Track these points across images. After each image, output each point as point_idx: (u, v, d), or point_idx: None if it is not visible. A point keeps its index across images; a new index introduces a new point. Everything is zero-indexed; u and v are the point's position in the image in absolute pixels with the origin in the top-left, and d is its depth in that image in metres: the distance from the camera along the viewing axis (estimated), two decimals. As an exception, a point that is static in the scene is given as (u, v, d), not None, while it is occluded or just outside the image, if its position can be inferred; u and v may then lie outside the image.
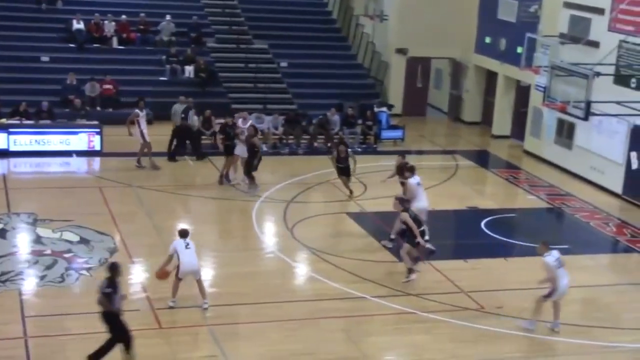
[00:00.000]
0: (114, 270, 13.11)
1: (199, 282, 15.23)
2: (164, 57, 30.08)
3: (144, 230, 18.95)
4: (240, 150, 22.43)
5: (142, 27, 31.28)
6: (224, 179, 22.58)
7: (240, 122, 23.69)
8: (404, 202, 16.91)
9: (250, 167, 21.87)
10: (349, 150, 21.98)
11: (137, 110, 23.59)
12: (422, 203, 18.43)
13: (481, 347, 14.38)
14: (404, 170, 19.02)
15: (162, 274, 15.13)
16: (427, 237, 16.85)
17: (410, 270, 16.48)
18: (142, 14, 31.53)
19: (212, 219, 20.58)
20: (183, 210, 21.24)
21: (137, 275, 16.66)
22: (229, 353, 13.66)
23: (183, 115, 24.95)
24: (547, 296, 14.85)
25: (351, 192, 21.81)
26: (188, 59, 29.89)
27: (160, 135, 25.49)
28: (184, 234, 15.27)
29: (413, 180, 18.52)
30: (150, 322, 14.56)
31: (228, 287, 16.26)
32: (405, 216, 16.43)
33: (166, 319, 14.68)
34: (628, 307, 16.55)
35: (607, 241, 20.52)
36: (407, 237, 16.60)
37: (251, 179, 21.96)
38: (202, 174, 23.65)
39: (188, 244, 15.08)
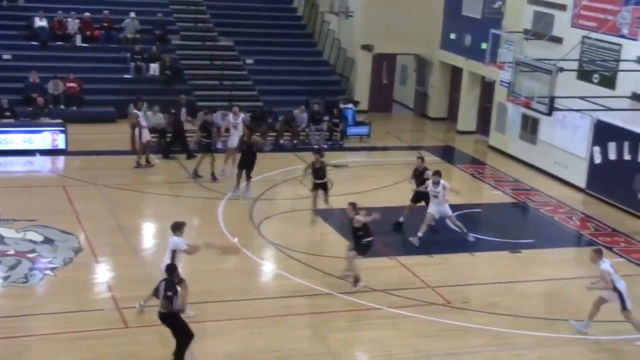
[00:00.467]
0: (173, 271, 13.05)
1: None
2: (128, 54, 29.88)
3: (109, 229, 18.81)
4: (231, 143, 22.88)
5: (106, 24, 31.05)
6: (194, 174, 22.68)
7: (231, 117, 23.77)
8: (356, 206, 16.50)
9: (251, 169, 21.60)
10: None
11: (135, 111, 23.47)
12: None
13: (447, 342, 14.47)
14: (423, 174, 19.53)
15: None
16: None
17: (356, 278, 16.12)
18: (106, 11, 31.30)
19: (178, 217, 20.32)
20: (148, 208, 21.14)
21: (102, 275, 16.55)
22: (196, 351, 13.59)
23: (174, 111, 24.96)
24: (624, 306, 14.55)
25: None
26: (153, 57, 29.72)
27: (125, 133, 25.40)
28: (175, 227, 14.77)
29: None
30: (116, 322, 14.47)
31: (195, 286, 16.05)
32: (360, 219, 16.09)
33: (132, 318, 14.59)
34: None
35: (571, 235, 20.73)
36: (355, 245, 16.23)
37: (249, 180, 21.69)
38: (167, 172, 23.53)
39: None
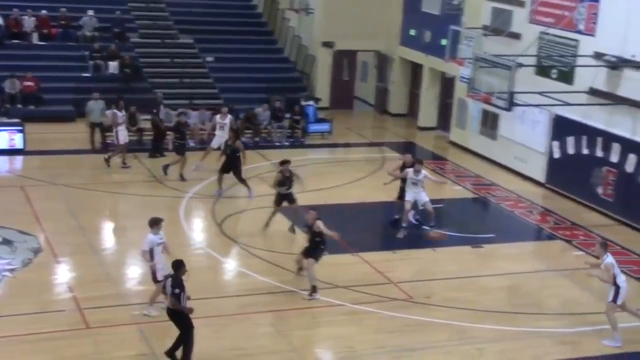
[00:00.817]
0: (180, 268, 12.99)
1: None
2: (86, 53, 29.57)
3: (69, 229, 18.62)
4: (215, 142, 23.00)
5: (63, 22, 30.68)
6: (181, 176, 22.43)
7: (218, 117, 23.76)
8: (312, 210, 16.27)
9: (239, 173, 21.31)
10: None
11: (116, 111, 23.18)
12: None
13: (410, 337, 14.54)
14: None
15: None
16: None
17: (314, 288, 15.83)
18: (63, 9, 30.93)
19: (138, 216, 20.21)
20: (109, 208, 20.94)
21: (62, 275, 16.37)
22: (158, 351, 13.51)
23: (155, 111, 24.76)
24: (615, 300, 14.64)
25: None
26: (112, 55, 29.44)
27: (84, 132, 25.18)
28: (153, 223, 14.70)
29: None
30: (78, 322, 14.33)
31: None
32: (320, 225, 15.84)
33: (94, 318, 14.45)
34: (551, 293, 16.95)
35: (531, 229, 20.94)
36: (312, 251, 15.93)
37: (244, 183, 21.39)
38: (127, 171, 23.31)
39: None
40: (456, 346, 14.34)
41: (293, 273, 16.69)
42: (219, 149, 22.93)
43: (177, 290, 12.76)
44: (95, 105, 24.76)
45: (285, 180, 18.97)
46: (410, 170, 19.45)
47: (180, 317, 12.92)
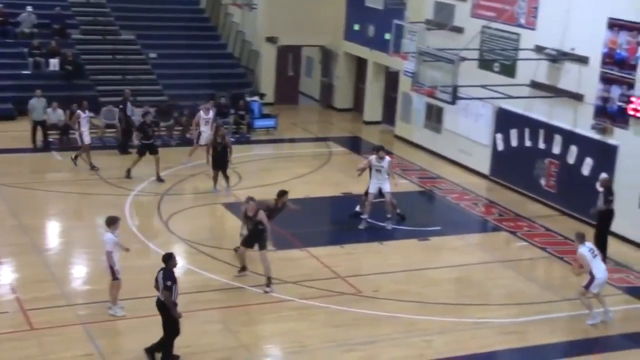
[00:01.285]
0: (170, 260, 12.92)
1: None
2: (26, 49, 29.04)
3: (11, 229, 18.29)
4: (205, 139, 22.81)
5: (0, 18, 30.04)
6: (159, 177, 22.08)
7: (202, 113, 23.64)
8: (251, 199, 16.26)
9: (226, 168, 21.27)
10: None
11: (79, 111, 22.79)
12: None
13: (359, 330, 14.59)
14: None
15: None
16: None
17: (270, 280, 15.82)
18: (1, 5, 30.31)
19: (83, 215, 20.04)
20: (52, 207, 20.58)
21: (5, 276, 16.05)
22: (105, 351, 13.36)
23: (121, 107, 24.43)
24: (587, 287, 15.04)
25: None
26: (52, 52, 28.96)
27: (25, 130, 24.76)
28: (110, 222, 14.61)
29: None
30: (21, 324, 14.08)
31: (103, 284, 15.82)
32: (262, 215, 15.83)
33: (38, 319, 14.22)
34: (496, 284, 17.15)
35: (477, 221, 21.16)
36: (257, 240, 15.94)
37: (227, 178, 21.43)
38: (68, 169, 22.97)
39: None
40: (405, 338, 14.42)
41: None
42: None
43: (169, 283, 12.73)
44: (37, 103, 24.37)
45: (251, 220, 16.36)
46: (373, 158, 19.52)
47: (168, 309, 12.88)
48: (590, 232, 19.42)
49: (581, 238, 15.37)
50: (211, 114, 23.90)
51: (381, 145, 20.42)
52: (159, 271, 13.07)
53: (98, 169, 22.56)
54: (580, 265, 15.12)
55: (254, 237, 15.97)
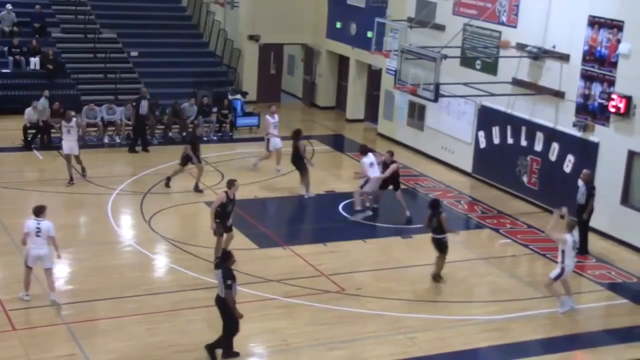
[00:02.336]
0: (229, 259, 12.96)
1: (47, 272, 14.73)
2: (5, 48, 28.82)
3: (-7, 229, 18.17)
4: (275, 143, 22.71)
5: (-20, 17, 29.86)
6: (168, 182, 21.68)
7: (269, 117, 23.47)
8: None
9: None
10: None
11: (63, 121, 21.87)
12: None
13: (343, 329, 14.60)
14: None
15: None
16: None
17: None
18: (-20, 4, 30.10)
19: (65, 213, 19.90)
20: (32, 206, 20.36)
21: (-14, 277, 15.96)
22: (88, 350, 13.30)
23: (134, 104, 24.35)
24: (557, 278, 15.43)
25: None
26: (32, 50, 28.77)
27: (9, 130, 24.62)
28: (37, 211, 14.73)
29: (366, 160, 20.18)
30: (3, 324, 13.99)
31: (85, 283, 15.81)
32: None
33: (20, 319, 14.14)
34: (480, 281, 17.22)
35: (460, 218, 21.20)
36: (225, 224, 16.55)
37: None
38: (50, 168, 22.84)
39: (39, 228, 14.55)
40: (389, 336, 14.44)
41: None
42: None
43: (229, 282, 12.79)
44: (45, 104, 24.65)
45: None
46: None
47: (229, 307, 12.89)
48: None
49: (571, 228, 15.61)
50: (277, 117, 23.63)
51: (364, 145, 21.06)
52: (218, 270, 13.04)
53: (73, 183, 21.28)
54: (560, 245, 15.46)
55: (224, 220, 16.55)
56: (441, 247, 16.77)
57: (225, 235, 16.70)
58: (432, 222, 16.78)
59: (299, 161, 21.59)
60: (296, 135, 21.78)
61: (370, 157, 20.34)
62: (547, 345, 14.69)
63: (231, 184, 16.72)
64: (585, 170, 18.98)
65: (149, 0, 33.87)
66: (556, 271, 15.46)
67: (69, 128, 21.45)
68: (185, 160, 21.28)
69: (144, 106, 24.67)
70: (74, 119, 21.64)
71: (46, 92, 25.26)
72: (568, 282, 15.71)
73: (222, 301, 12.96)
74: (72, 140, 21.39)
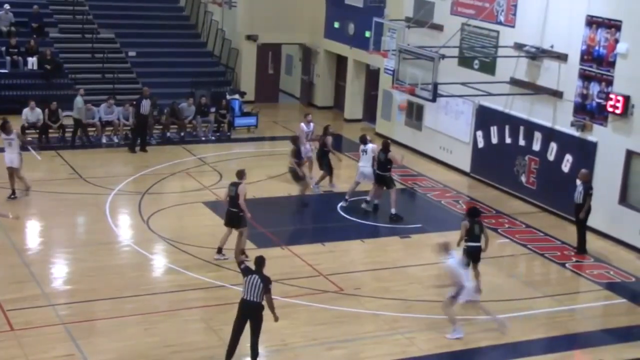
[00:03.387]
0: (263, 263, 12.90)
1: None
2: (3, 48, 28.80)
3: (-10, 229, 18.13)
4: (305, 151, 22.00)
5: (-23, 17, 29.84)
6: None
7: (304, 126, 23.01)
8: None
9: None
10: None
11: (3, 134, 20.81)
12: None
13: (341, 329, 14.59)
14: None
15: None
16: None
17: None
18: (-23, 4, 30.09)
19: (63, 214, 19.87)
20: (31, 206, 20.39)
21: (-16, 277, 15.93)
22: (86, 351, 13.29)
23: (134, 103, 24.33)
24: (456, 296, 14.35)
25: None
26: (30, 50, 28.75)
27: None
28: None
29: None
30: (1, 324, 13.97)
31: (83, 284, 15.79)
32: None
33: (18, 320, 14.11)
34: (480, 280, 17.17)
35: (458, 218, 21.03)
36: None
37: None
38: (47, 169, 22.83)
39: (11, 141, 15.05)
40: (387, 336, 14.43)
41: (222, 267, 16.62)
42: None
43: (270, 286, 12.84)
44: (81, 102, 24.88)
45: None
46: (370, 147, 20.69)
47: (261, 311, 12.91)
48: (569, 227, 19.63)
49: (446, 249, 14.50)
50: (312, 126, 23.14)
51: (364, 135, 21.50)
52: (253, 275, 12.80)
53: (16, 197, 20.19)
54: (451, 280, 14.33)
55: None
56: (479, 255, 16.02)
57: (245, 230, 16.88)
58: (473, 230, 15.97)
59: (324, 157, 21.96)
60: (325, 131, 22.25)
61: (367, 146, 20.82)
62: (545, 344, 14.69)
63: (243, 174, 17.06)
64: (582, 170, 18.99)
65: (147, 0, 33.86)
66: (453, 291, 14.33)
67: (9, 141, 20.07)
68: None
69: (146, 105, 24.64)
70: (14, 132, 20.44)
71: (81, 91, 25.35)
72: (480, 304, 14.81)
73: (258, 306, 12.83)
74: (14, 153, 20.14)
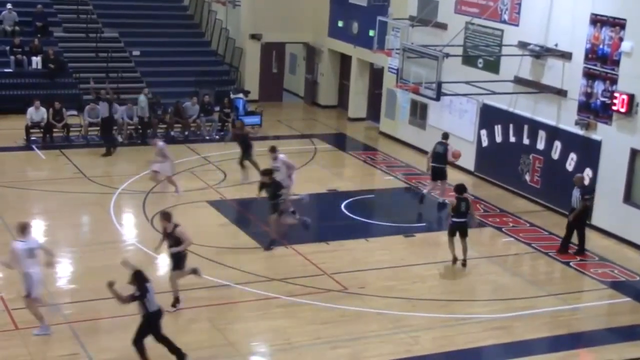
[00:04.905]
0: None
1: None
2: (7, 47, 28.84)
3: (-5, 228, 18.16)
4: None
5: (-19, 16, 29.88)
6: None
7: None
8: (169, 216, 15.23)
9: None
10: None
11: None
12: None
13: (346, 327, 14.59)
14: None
15: None
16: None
17: (177, 299, 14.95)
18: (-19, 3, 30.13)
19: (68, 213, 19.90)
20: (35, 205, 20.45)
21: (-11, 276, 15.95)
22: (90, 349, 13.30)
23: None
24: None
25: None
26: (34, 50, 28.78)
27: (11, 129, 24.62)
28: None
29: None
30: (6, 324, 14.01)
31: (87, 283, 15.80)
32: (180, 231, 14.90)
33: (23, 319, 14.11)
34: (482, 280, 17.21)
35: (462, 217, 21.17)
36: (177, 262, 14.95)
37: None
38: (52, 167, 22.85)
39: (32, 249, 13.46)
40: (391, 335, 14.43)
41: (226, 267, 16.62)
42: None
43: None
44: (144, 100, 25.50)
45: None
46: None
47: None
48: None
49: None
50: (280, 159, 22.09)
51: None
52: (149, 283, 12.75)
53: None
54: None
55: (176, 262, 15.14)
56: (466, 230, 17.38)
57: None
58: (460, 206, 17.18)
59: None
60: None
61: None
62: (549, 343, 14.67)
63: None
64: (577, 175, 18.96)
65: (151, -1, 33.94)
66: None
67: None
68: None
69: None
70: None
71: (145, 90, 25.92)
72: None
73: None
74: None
